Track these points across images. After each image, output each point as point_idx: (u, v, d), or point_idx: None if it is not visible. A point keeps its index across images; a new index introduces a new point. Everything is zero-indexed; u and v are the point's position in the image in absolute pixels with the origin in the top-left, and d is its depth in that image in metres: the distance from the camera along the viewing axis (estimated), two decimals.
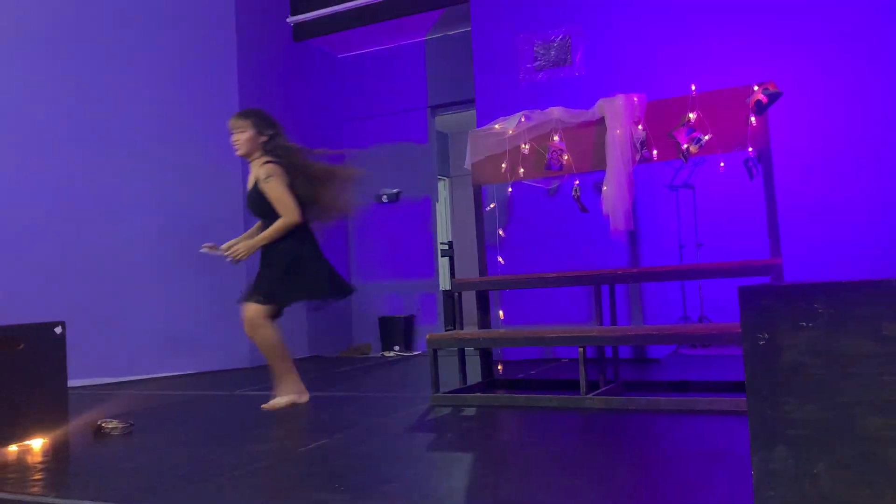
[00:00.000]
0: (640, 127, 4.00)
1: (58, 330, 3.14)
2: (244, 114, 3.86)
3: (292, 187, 3.72)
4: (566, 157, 4.15)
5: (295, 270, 3.71)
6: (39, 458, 3.02)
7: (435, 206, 7.38)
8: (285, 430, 3.46)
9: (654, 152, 3.99)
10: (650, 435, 2.95)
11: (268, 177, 3.65)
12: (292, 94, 7.05)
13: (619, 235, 4.12)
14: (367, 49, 7.49)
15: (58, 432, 3.11)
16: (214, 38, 6.35)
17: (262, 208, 3.74)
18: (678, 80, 5.90)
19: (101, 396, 4.86)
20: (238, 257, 3.69)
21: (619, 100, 4.04)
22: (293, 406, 3.75)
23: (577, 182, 4.44)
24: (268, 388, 4.35)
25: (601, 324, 3.89)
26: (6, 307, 5.23)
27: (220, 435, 3.38)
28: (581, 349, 3.51)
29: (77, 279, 5.65)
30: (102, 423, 3.54)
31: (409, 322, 7.16)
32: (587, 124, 4.12)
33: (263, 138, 3.78)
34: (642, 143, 4.02)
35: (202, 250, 3.77)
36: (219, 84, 6.34)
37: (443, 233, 8.57)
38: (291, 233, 3.72)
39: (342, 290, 3.91)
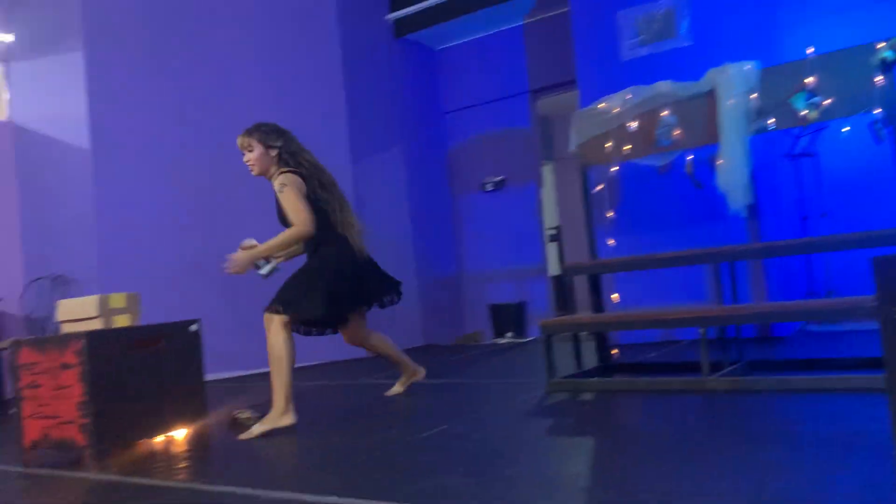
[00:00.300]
0: (754, 95, 3.83)
1: (193, 327, 3.34)
2: (248, 131, 3.60)
3: (312, 196, 3.51)
4: (676, 132, 4.03)
5: (323, 284, 3.47)
6: (183, 448, 3.23)
7: (540, 191, 7.33)
8: (405, 418, 3.55)
9: (771, 121, 3.81)
10: (780, 416, 2.84)
11: (282, 186, 3.44)
12: (394, 89, 7.17)
13: (736, 210, 3.96)
14: (466, 39, 7.51)
15: (198, 423, 3.31)
16: (318, 39, 6.55)
17: (286, 221, 3.52)
18: (793, 43, 5.62)
19: (234, 389, 5.14)
20: (231, 270, 3.47)
21: (731, 69, 3.88)
22: (267, 434, 3.33)
23: (690, 157, 4.30)
24: (390, 377, 4.48)
25: (722, 303, 3.76)
26: (147, 307, 5.61)
27: (345, 422, 3.50)
28: (702, 329, 3.41)
29: (211, 279, 5.98)
30: (237, 413, 3.74)
31: (519, 308, 7.16)
32: (697, 97, 3.98)
33: (274, 152, 3.56)
34: (757, 112, 3.85)
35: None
36: (325, 84, 6.54)
37: (550, 218, 8.49)
38: (329, 242, 3.53)
39: (369, 299, 3.74)
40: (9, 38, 6.37)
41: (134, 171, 5.88)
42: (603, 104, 4.29)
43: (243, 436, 3.34)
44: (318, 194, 3.54)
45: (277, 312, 3.40)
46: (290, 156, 3.57)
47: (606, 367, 4.18)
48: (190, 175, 6.06)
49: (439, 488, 2.18)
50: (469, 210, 7.58)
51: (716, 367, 3.59)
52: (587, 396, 3.59)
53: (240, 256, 3.48)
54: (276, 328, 3.40)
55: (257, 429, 3.35)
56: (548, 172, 9.81)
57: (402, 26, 7.23)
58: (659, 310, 3.82)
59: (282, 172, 3.49)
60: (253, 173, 3.62)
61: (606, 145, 4.22)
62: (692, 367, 3.81)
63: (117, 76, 5.88)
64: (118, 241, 5.74)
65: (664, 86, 4.08)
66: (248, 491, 2.36)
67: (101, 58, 5.83)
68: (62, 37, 5.95)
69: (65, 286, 5.84)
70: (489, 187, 7.41)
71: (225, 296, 6.00)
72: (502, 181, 7.37)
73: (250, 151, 3.57)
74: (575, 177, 4.62)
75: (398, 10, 7.13)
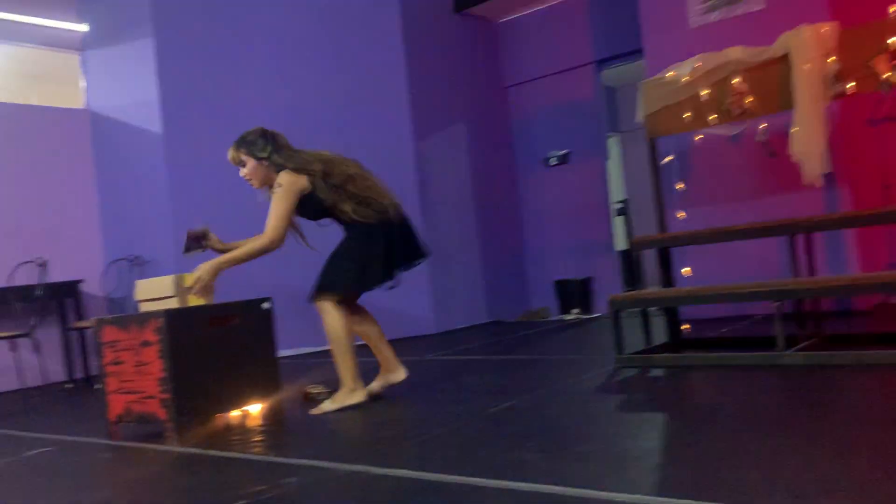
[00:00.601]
0: (831, 59, 3.66)
1: (265, 305, 3.43)
2: (235, 145, 3.47)
3: (321, 195, 3.39)
4: (749, 100, 3.89)
5: (358, 253, 3.45)
6: (258, 422, 3.33)
7: (607, 163, 7.20)
8: (473, 393, 3.56)
9: (850, 85, 3.64)
10: (861, 391, 2.74)
11: (277, 186, 3.33)
12: (456, 64, 7.13)
13: (813, 180, 3.81)
14: (527, 11, 7.40)
15: (271, 398, 3.41)
16: (379, 16, 6.56)
17: (317, 213, 3.50)
18: (873, 3, 5.34)
19: (305, 365, 5.26)
20: (197, 290, 3.24)
21: (806, 31, 3.72)
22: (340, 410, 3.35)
23: (764, 125, 4.16)
24: (454, 353, 4.51)
25: (798, 276, 3.64)
26: (221, 286, 5.77)
27: (414, 397, 3.54)
28: (777, 303, 3.31)
29: (282, 258, 6.10)
30: (310, 389, 3.83)
31: (585, 284, 7.09)
32: (770, 62, 3.84)
33: (266, 161, 3.40)
34: (835, 77, 3.68)
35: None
36: (386, 62, 6.55)
37: (617, 191, 8.35)
38: (357, 227, 3.45)
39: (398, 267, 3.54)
40: (83, 27, 6.58)
41: (205, 153, 6.01)
42: (671, 73, 4.18)
43: (314, 411, 3.40)
44: (327, 194, 3.39)
45: (323, 297, 3.42)
46: (287, 159, 3.38)
47: (677, 342, 4.11)
48: None
49: (512, 463, 2.19)
50: (533, 185, 7.51)
51: (791, 342, 3.48)
52: (657, 372, 3.54)
53: (205, 272, 3.26)
54: (327, 310, 3.41)
55: (328, 405, 3.41)
56: (614, 145, 9.64)
57: (461, 0, 7.17)
58: (732, 284, 3.73)
59: (285, 171, 3.35)
60: (255, 187, 3.51)
61: (676, 115, 4.11)
62: (766, 343, 3.70)
63: (187, 62, 6.02)
64: (191, 222, 5.90)
65: (735, 52, 3.95)
66: (324, 464, 2.42)
67: (172, 44, 5.97)
68: (134, 25, 6.11)
69: (142, 267, 6.06)
70: (554, 161, 7.32)
71: (294, 274, 6.12)
72: (567, 155, 7.27)
73: (243, 166, 3.45)
74: (642, 149, 4.52)
75: None
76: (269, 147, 3.40)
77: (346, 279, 3.43)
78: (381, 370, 3.67)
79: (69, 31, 6.53)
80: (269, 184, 3.44)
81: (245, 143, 3.44)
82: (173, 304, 3.24)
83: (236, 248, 3.54)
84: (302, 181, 3.36)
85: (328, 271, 3.47)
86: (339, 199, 3.41)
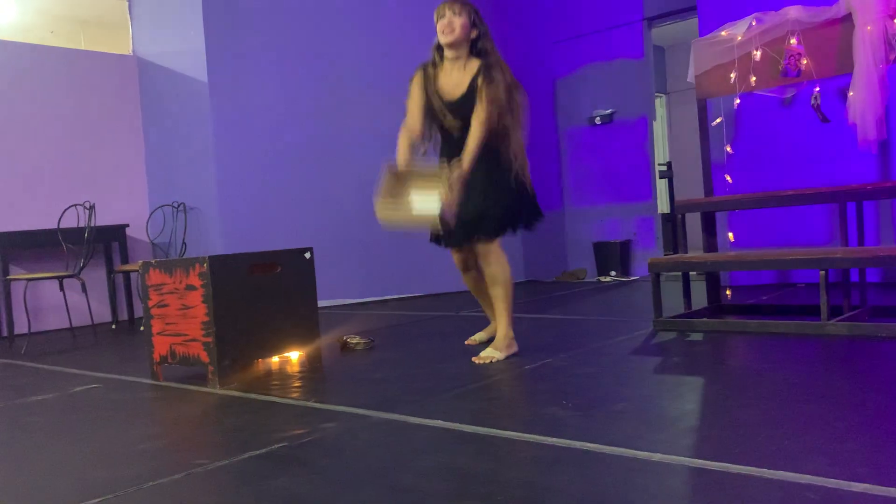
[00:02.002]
0: None
1: (307, 255, 3.46)
2: (462, 1, 3.27)
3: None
4: (805, 62, 3.77)
5: (515, 190, 3.28)
6: (297, 369, 3.40)
7: (652, 124, 7.07)
8: None
9: None
10: None
11: (494, 76, 3.17)
12: (501, 19, 7.02)
13: (868, 147, 3.70)
14: None
15: (310, 346, 3.47)
16: None
17: (468, 118, 3.22)
18: None
19: (345, 316, 5.33)
20: (455, 202, 3.01)
21: None
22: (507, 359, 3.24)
23: (818, 89, 4.04)
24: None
25: (847, 245, 3.56)
26: (263, 235, 5.87)
27: (450, 350, 3.58)
28: (823, 272, 3.25)
29: (322, 209, 6.18)
30: (347, 338, 3.89)
31: (625, 247, 7.03)
32: (831, 22, 3.70)
33: (475, 33, 3.26)
34: None
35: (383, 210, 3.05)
36: (429, 15, 6.46)
37: (660, 153, 8.21)
38: (503, 143, 3.27)
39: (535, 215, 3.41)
40: None
41: (249, 103, 6.06)
42: (725, 32, 4.06)
43: (478, 360, 3.18)
44: (512, 94, 3.27)
45: (491, 239, 3.23)
46: (492, 50, 3.27)
47: (717, 307, 4.07)
48: (302, 107, 6.19)
49: (546, 419, 2.21)
50: (576, 144, 7.41)
51: (835, 312, 3.43)
52: (696, 336, 3.51)
53: (453, 187, 2.98)
54: (497, 254, 3.23)
55: (491, 354, 3.20)
56: (659, 105, 9.46)
57: None
58: (778, 250, 3.66)
59: (495, 65, 3.21)
60: (445, 39, 3.24)
61: (729, 75, 4.01)
62: (810, 311, 3.65)
63: (234, 11, 6.02)
64: (235, 171, 5.98)
65: (794, 11, 3.82)
66: (361, 411, 2.47)
67: None
68: None
69: (185, 213, 6.16)
70: (598, 120, 7.21)
71: (333, 225, 6.18)
72: (611, 114, 7.15)
73: (457, 15, 3.22)
74: (689, 111, 4.44)
75: None
76: (484, 27, 3.30)
77: (513, 219, 3.26)
78: (493, 322, 3.59)
79: None
80: (456, 49, 3.26)
81: (472, 5, 3.28)
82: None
83: (408, 160, 3.22)
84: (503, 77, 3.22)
85: (492, 209, 3.21)
86: (511, 124, 3.26)
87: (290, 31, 6.16)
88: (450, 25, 3.22)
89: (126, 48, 6.68)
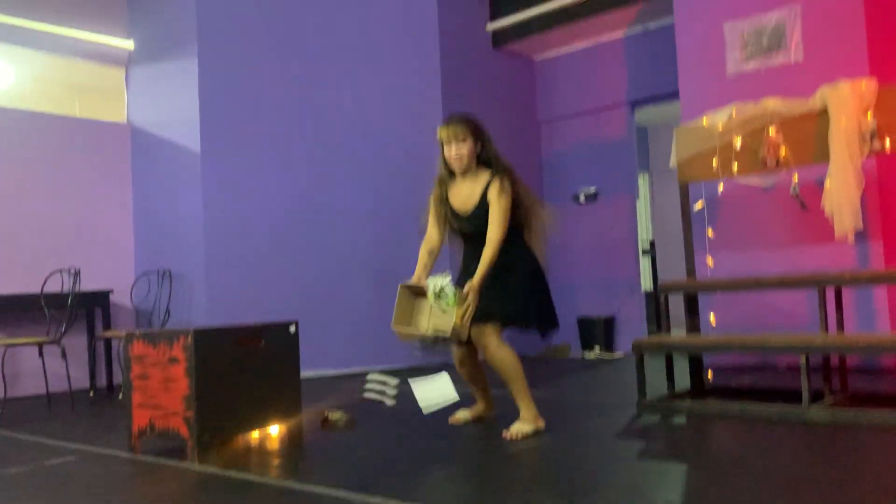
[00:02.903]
0: (869, 116, 3.66)
1: (292, 329, 3.46)
2: (462, 120, 3.38)
3: (515, 199, 3.37)
4: (783, 152, 3.90)
5: (536, 286, 3.37)
6: (277, 445, 3.35)
7: (636, 203, 7.20)
8: (493, 428, 3.55)
9: (888, 143, 3.64)
10: (886, 455, 2.70)
11: (501, 192, 3.28)
12: (491, 97, 7.20)
13: (843, 235, 3.79)
14: (565, 49, 7.47)
15: (292, 421, 3.43)
16: (419, 46, 6.67)
17: (481, 227, 3.31)
18: None
19: (325, 387, 5.28)
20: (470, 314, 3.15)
21: (845, 87, 3.73)
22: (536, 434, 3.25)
23: (796, 178, 4.16)
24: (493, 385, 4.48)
25: (826, 331, 3.61)
26: (248, 304, 5.85)
27: (434, 428, 3.53)
28: (804, 357, 3.29)
29: (308, 280, 6.18)
30: (329, 413, 3.85)
31: (609, 323, 7.06)
32: (807, 116, 3.84)
33: (479, 148, 3.40)
34: (872, 134, 3.68)
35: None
36: (424, 89, 6.65)
37: (644, 230, 8.33)
38: (516, 243, 3.37)
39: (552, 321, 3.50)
40: (129, 45, 6.76)
41: (240, 173, 6.14)
42: (707, 120, 4.20)
43: (509, 435, 3.16)
44: (521, 198, 3.41)
45: (495, 325, 3.27)
46: (495, 158, 3.41)
47: (700, 389, 4.08)
48: (293, 177, 6.27)
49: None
50: (561, 220, 7.52)
51: (817, 396, 3.45)
52: (679, 419, 3.51)
53: (473, 298, 3.15)
54: (496, 341, 3.27)
55: (520, 429, 3.20)
56: (643, 184, 9.64)
57: (500, 36, 7.26)
58: (760, 335, 3.70)
59: (503, 175, 3.34)
60: (457, 167, 3.38)
61: (710, 162, 4.12)
62: (791, 396, 3.67)
63: (228, 83, 6.16)
64: (223, 240, 6.01)
65: (772, 103, 3.96)
66: (341, 493, 2.43)
67: (214, 65, 6.11)
68: (179, 45, 6.27)
69: (171, 281, 6.14)
70: (583, 198, 7.34)
71: (319, 295, 6.18)
72: (596, 192, 7.29)
73: (463, 142, 3.35)
74: (672, 189, 4.53)
75: (497, 20, 7.16)
76: (486, 137, 3.43)
77: (527, 313, 3.33)
78: (480, 404, 3.68)
79: (116, 47, 6.71)
80: (466, 171, 3.39)
81: (473, 122, 3.41)
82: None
83: (424, 275, 3.40)
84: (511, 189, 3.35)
85: (506, 297, 3.28)
86: (526, 218, 3.41)
87: (282, 104, 6.29)
88: (458, 156, 3.36)
89: (120, 115, 6.78)
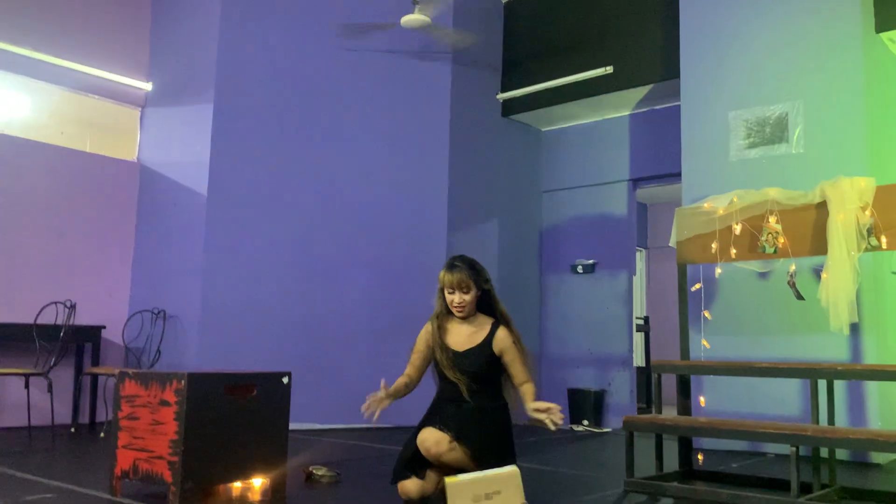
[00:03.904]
0: (867, 212, 3.74)
1: (285, 380, 3.46)
2: (468, 268, 3.36)
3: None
4: (782, 241, 3.97)
5: (510, 441, 3.41)
6: (259, 497, 3.31)
7: (632, 278, 7.26)
8: None
9: (884, 240, 3.71)
10: None
11: (515, 341, 3.36)
12: (497, 165, 7.34)
13: (838, 329, 3.83)
14: (572, 123, 7.64)
15: (276, 473, 3.39)
16: (430, 110, 6.82)
17: (480, 371, 3.32)
18: None
19: (310, 442, 5.22)
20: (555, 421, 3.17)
21: (844, 183, 3.82)
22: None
23: (793, 267, 4.22)
24: None
25: (817, 422, 3.62)
26: (239, 351, 5.84)
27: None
28: (794, 448, 3.29)
29: (300, 332, 6.18)
30: (313, 469, 3.81)
31: (599, 397, 7.03)
32: (807, 207, 3.93)
33: (479, 293, 3.40)
34: (869, 230, 3.76)
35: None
36: (431, 152, 6.77)
37: (638, 306, 8.37)
38: (500, 397, 3.41)
39: None
40: (148, 86, 6.90)
41: (245, 220, 6.20)
42: (708, 204, 4.28)
43: None
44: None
45: (463, 448, 3.20)
46: (495, 301, 3.45)
47: (688, 471, 4.06)
48: (295, 231, 6.33)
49: None
50: (557, 290, 7.57)
51: (805, 489, 3.43)
52: (666, 502, 3.48)
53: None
54: (450, 448, 3.20)
55: None
56: (640, 260, 9.74)
57: (510, 106, 7.43)
58: (750, 422, 3.70)
59: (509, 323, 3.42)
60: (459, 314, 3.39)
61: (709, 245, 4.19)
62: (779, 485, 3.66)
63: (241, 130, 6.27)
64: (221, 285, 6.02)
65: (773, 192, 4.05)
66: None
67: (229, 113, 6.24)
68: (196, 90, 6.41)
69: (164, 321, 6.13)
70: (580, 270, 7.40)
71: (309, 348, 6.16)
72: (593, 265, 7.35)
73: (467, 293, 3.35)
74: (667, 267, 4.59)
75: (508, 90, 7.35)
76: (487, 285, 3.42)
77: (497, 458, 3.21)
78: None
79: (135, 87, 6.85)
80: (469, 314, 3.41)
81: (475, 270, 3.38)
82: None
83: (395, 388, 3.38)
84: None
85: (506, 443, 3.35)
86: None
87: (291, 158, 6.40)
88: (461, 305, 3.35)
89: (131, 154, 6.88)
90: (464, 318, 3.41)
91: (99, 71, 6.59)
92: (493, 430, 3.31)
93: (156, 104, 6.86)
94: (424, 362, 3.46)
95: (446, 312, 3.43)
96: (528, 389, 3.34)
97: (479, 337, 3.38)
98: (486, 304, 3.46)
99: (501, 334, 3.37)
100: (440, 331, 3.40)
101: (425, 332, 3.47)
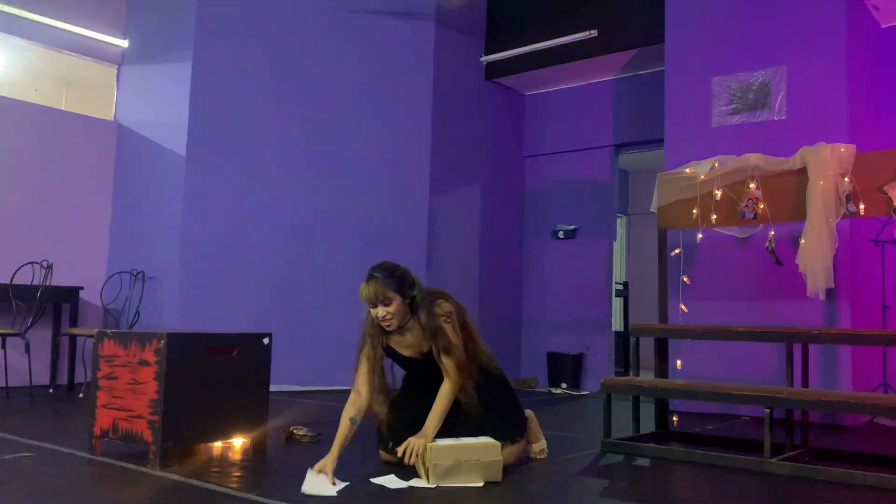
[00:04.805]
0: (846, 179, 3.77)
1: (265, 341, 3.45)
2: (381, 281, 3.02)
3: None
4: (762, 206, 3.99)
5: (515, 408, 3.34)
6: (240, 457, 3.33)
7: (612, 244, 7.29)
8: None
9: (862, 207, 3.75)
10: None
11: (446, 318, 3.11)
12: (479, 129, 7.29)
13: (814, 293, 3.88)
14: (555, 87, 7.59)
15: (256, 433, 3.40)
16: (413, 73, 6.74)
17: (432, 372, 3.15)
18: (890, 132, 5.52)
19: (291, 403, 5.24)
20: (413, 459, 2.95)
21: (825, 149, 3.84)
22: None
23: (772, 232, 4.25)
24: None
25: (791, 385, 3.68)
26: (218, 312, 5.81)
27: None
28: (768, 410, 3.35)
29: (280, 293, 6.16)
30: (293, 429, 3.83)
31: (577, 360, 7.10)
32: (787, 173, 3.95)
33: (408, 300, 3.08)
34: (848, 197, 3.79)
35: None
36: (413, 115, 6.71)
37: (618, 272, 8.43)
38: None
39: None
40: (124, 43, 6.75)
41: (224, 181, 6.13)
42: (689, 169, 4.29)
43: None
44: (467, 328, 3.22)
45: (516, 442, 3.24)
46: (419, 310, 3.09)
47: (664, 432, 4.12)
48: (276, 191, 6.27)
49: None
50: (538, 255, 7.60)
51: (777, 450, 3.50)
52: (642, 461, 3.54)
53: (416, 443, 2.94)
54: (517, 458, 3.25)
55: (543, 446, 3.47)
56: (620, 226, 9.78)
57: (493, 69, 7.36)
58: (725, 384, 3.76)
59: (435, 301, 3.13)
60: (390, 328, 3.10)
61: (690, 210, 4.21)
62: (752, 446, 3.73)
63: (220, 89, 6.17)
64: (200, 246, 5.97)
65: (754, 158, 4.06)
66: None
67: (208, 70, 6.13)
68: (174, 47, 6.28)
69: (143, 282, 6.09)
70: (561, 235, 7.42)
71: (289, 310, 6.15)
72: (575, 230, 7.37)
73: (387, 305, 3.03)
74: (648, 232, 4.61)
75: (492, 54, 7.27)
76: (416, 282, 3.11)
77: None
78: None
79: (110, 44, 6.70)
80: (401, 325, 3.12)
81: (395, 277, 3.04)
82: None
83: (343, 438, 3.00)
84: (456, 314, 3.14)
85: (512, 415, 3.31)
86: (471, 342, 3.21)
87: (271, 118, 6.31)
88: (385, 318, 3.06)
89: (108, 113, 6.75)
90: (400, 330, 3.13)
91: (73, 26, 6.42)
92: (503, 405, 3.29)
93: (133, 62, 6.72)
94: (376, 375, 3.12)
95: (381, 330, 3.14)
96: (432, 414, 3.03)
97: (425, 346, 3.15)
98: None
99: (434, 345, 3.09)
100: (380, 345, 3.15)
101: (367, 350, 3.15)
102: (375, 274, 3.04)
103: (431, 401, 3.10)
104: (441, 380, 3.10)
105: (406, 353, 3.20)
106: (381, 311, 3.04)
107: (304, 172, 6.37)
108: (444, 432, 3.06)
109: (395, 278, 3.04)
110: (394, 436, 3.19)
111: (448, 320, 3.10)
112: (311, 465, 2.84)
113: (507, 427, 3.21)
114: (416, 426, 3.05)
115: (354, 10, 6.58)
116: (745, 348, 4.94)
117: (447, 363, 3.07)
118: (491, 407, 3.20)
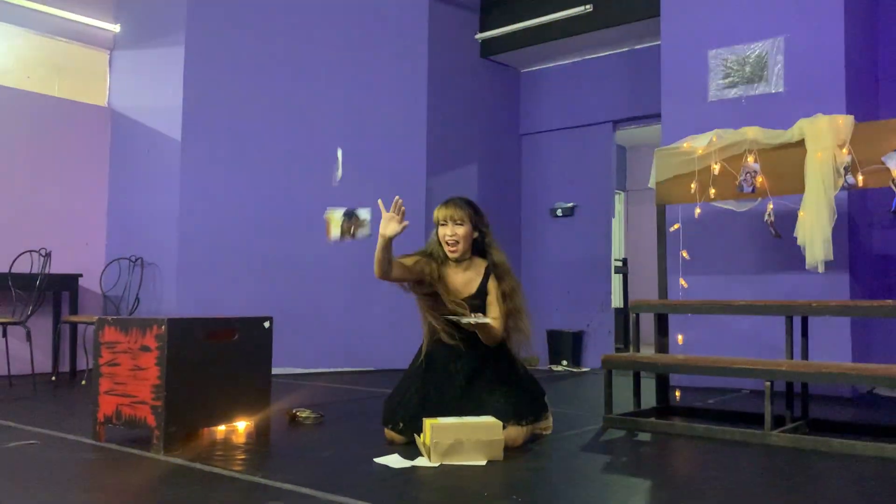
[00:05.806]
0: (844, 151, 3.76)
1: (266, 324, 3.45)
2: (461, 204, 3.26)
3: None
4: (760, 180, 3.99)
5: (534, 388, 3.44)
6: (244, 440, 3.34)
7: (611, 221, 7.29)
8: None
9: (860, 178, 3.74)
10: (842, 481, 2.77)
11: (513, 290, 3.27)
12: (475, 107, 7.26)
13: (815, 267, 3.88)
14: (551, 64, 7.55)
15: (260, 417, 3.42)
16: (408, 51, 6.69)
17: (479, 308, 3.26)
18: (891, 101, 5.48)
19: (294, 386, 5.26)
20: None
21: (823, 121, 3.83)
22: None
23: (771, 206, 4.25)
24: None
25: (791, 358, 3.69)
26: (218, 297, 5.82)
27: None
28: (768, 383, 3.36)
29: (280, 277, 6.16)
30: (297, 411, 3.85)
31: (577, 337, 7.13)
32: (785, 146, 3.94)
33: (476, 235, 3.28)
34: (846, 169, 3.78)
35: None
36: (409, 95, 6.67)
37: (617, 249, 8.42)
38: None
39: None
40: (115, 28, 6.69)
41: (220, 165, 6.10)
42: (687, 144, 4.27)
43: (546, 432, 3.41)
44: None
45: (534, 423, 3.32)
46: (490, 247, 3.31)
47: (665, 407, 4.14)
48: (273, 173, 6.25)
49: None
50: (537, 233, 7.59)
51: (778, 422, 3.52)
52: (644, 436, 3.56)
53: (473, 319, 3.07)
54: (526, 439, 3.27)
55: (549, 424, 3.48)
56: (619, 202, 9.76)
57: (489, 46, 7.31)
58: (727, 358, 3.77)
59: (502, 277, 3.28)
60: (451, 252, 3.23)
61: (688, 185, 4.20)
62: (753, 419, 3.75)
63: (214, 72, 6.12)
64: (198, 231, 5.97)
65: (752, 132, 4.05)
66: (306, 490, 2.43)
67: (201, 53, 6.08)
68: (166, 31, 6.23)
69: (142, 269, 6.08)
70: (559, 213, 7.41)
71: (290, 293, 6.16)
72: (573, 208, 7.36)
73: (460, 225, 3.22)
74: (646, 208, 4.61)
75: (487, 30, 7.22)
76: (486, 228, 3.32)
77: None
78: None
79: (101, 29, 6.64)
80: (461, 257, 3.26)
81: (473, 208, 3.28)
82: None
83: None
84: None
85: (533, 395, 3.39)
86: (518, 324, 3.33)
87: (267, 100, 6.28)
88: (454, 241, 3.21)
89: (101, 98, 6.71)
90: (457, 261, 3.27)
91: (63, 12, 6.36)
92: (520, 386, 3.37)
93: (124, 47, 6.66)
94: (411, 274, 3.19)
95: (442, 256, 3.26)
96: (494, 328, 3.18)
97: (474, 286, 3.29)
98: (482, 252, 3.34)
99: (492, 285, 3.28)
100: (436, 272, 3.24)
101: (424, 259, 3.24)
102: (454, 198, 3.29)
103: (446, 376, 3.24)
104: (473, 340, 3.21)
105: (457, 291, 3.25)
106: (449, 230, 3.21)
107: (300, 155, 6.34)
108: (475, 409, 3.13)
109: (473, 208, 3.28)
110: (403, 415, 3.22)
111: (514, 291, 3.26)
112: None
113: (536, 404, 3.35)
114: (425, 408, 3.16)
115: None
116: (746, 322, 4.95)
117: (502, 308, 3.20)
118: (520, 384, 3.34)
